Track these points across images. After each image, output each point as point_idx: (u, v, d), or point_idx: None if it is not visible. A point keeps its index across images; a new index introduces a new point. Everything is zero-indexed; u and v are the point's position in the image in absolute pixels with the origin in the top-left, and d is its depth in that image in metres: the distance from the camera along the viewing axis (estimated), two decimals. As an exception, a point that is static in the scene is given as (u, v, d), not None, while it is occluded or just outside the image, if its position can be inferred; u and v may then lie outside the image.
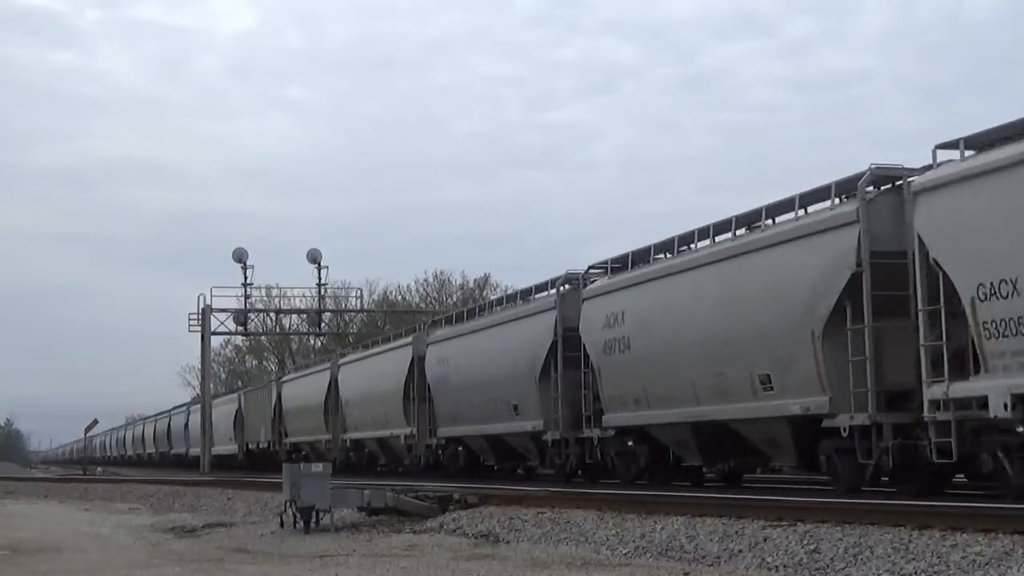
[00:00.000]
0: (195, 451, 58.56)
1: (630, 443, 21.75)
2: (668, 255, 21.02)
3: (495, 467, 29.91)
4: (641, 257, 21.86)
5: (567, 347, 23.89)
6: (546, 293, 25.91)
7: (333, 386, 40.58)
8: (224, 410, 58.21)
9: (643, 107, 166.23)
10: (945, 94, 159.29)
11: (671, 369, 19.86)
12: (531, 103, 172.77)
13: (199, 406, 59.59)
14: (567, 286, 24.58)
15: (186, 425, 65.50)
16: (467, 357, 29.12)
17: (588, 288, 23.38)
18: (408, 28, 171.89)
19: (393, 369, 33.96)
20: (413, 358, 32.39)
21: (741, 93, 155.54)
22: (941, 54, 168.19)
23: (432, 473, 30.97)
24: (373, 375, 36.12)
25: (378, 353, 37.05)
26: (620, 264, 22.68)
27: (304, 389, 44.65)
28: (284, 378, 49.71)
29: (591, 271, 23.92)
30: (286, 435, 46.73)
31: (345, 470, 37.04)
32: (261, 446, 49.95)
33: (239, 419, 54.96)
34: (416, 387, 32.11)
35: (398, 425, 33.30)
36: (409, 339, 33.69)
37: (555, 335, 24.26)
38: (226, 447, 56.77)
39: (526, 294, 27.58)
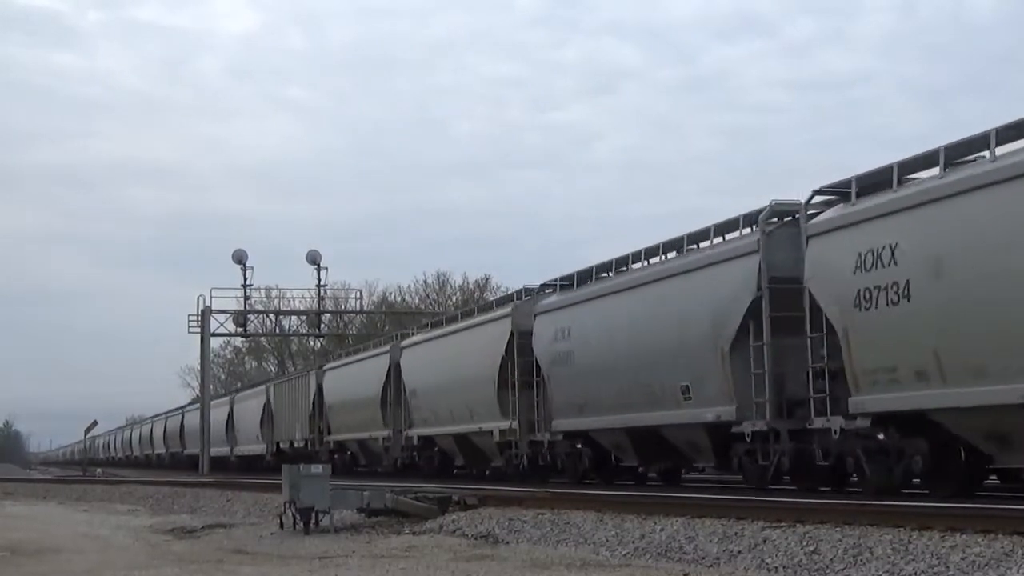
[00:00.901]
0: (215, 451, 54.13)
1: (881, 436, 15.85)
2: (938, 172, 14.94)
3: (639, 468, 23.71)
4: (910, 171, 15.86)
5: (775, 305, 17.78)
6: (738, 233, 19.31)
7: (393, 373, 34.07)
8: (248, 405, 52.57)
9: (644, 108, 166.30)
10: (946, 95, 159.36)
11: (1001, 322, 13.59)
12: (532, 104, 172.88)
13: (225, 398, 56.78)
14: (773, 222, 18.31)
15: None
16: (603, 327, 22.61)
17: (817, 220, 17.08)
18: (409, 29, 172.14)
19: (483, 349, 27.64)
20: (513, 333, 26.00)
21: (742, 94, 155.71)
22: (942, 55, 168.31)
23: (538, 477, 25.63)
24: (452, 358, 29.83)
25: (458, 331, 30.17)
26: (870, 185, 16.32)
27: (354, 378, 37.92)
28: (326, 366, 43.03)
29: (816, 197, 17.63)
30: (328, 432, 40.62)
31: (409, 472, 33.00)
32: (296, 445, 43.42)
33: (267, 415, 48.66)
34: (517, 370, 26.20)
35: (490, 418, 27.13)
36: (507, 309, 26.97)
37: (758, 289, 17.93)
38: (252, 447, 51.00)
39: (698, 238, 20.48)
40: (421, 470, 32.84)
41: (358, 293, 62.11)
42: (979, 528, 10.22)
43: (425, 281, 72.03)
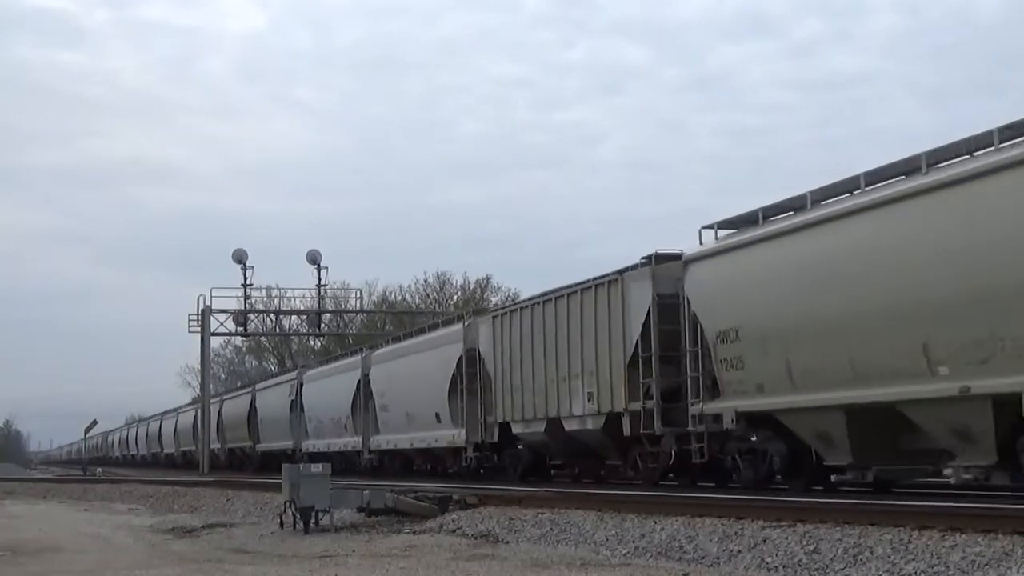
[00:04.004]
0: (317, 443, 39.66)
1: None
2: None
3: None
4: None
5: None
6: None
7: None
8: (413, 367, 31.08)
9: (650, 108, 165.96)
10: (952, 95, 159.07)
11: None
12: (538, 104, 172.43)
13: (345, 361, 39.50)
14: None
15: (294, 405, 42.88)
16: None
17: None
18: (417, 29, 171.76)
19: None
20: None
21: (749, 94, 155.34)
22: (949, 55, 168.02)
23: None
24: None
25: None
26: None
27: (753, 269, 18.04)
28: (691, 253, 19.59)
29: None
30: (717, 391, 19.03)
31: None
32: (573, 427, 22.82)
33: (462, 379, 27.66)
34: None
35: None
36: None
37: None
38: (419, 435, 30.68)
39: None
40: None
41: (358, 293, 62.11)
42: (979, 527, 10.22)
43: (425, 280, 72.10)
